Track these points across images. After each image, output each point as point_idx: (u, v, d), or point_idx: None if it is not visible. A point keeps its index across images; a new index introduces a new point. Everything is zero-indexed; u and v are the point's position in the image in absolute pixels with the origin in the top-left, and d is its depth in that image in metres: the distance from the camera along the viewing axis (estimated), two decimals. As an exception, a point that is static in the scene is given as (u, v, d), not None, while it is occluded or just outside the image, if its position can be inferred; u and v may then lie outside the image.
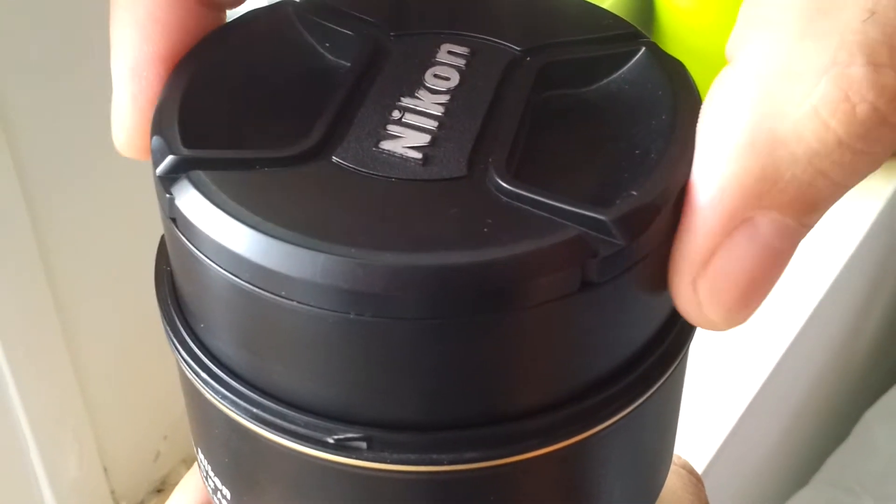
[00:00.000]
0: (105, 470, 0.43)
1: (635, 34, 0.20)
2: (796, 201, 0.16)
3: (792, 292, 0.61)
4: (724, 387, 0.56)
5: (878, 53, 0.15)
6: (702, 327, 0.18)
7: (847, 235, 0.64)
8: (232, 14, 0.20)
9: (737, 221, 0.16)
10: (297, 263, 0.16)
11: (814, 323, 0.61)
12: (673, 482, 0.27)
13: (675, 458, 0.27)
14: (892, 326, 0.87)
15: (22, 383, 0.38)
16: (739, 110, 0.16)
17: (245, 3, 0.20)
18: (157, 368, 0.40)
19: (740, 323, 0.17)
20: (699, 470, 0.51)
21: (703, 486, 0.28)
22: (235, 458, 0.19)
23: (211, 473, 0.20)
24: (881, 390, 0.82)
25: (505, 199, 0.17)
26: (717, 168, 0.16)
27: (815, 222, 0.17)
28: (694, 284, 0.16)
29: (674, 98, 0.18)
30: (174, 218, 0.17)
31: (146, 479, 0.46)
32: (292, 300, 0.16)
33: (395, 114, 0.18)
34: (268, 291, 0.16)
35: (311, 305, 0.16)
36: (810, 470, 0.79)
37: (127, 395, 0.43)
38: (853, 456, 0.79)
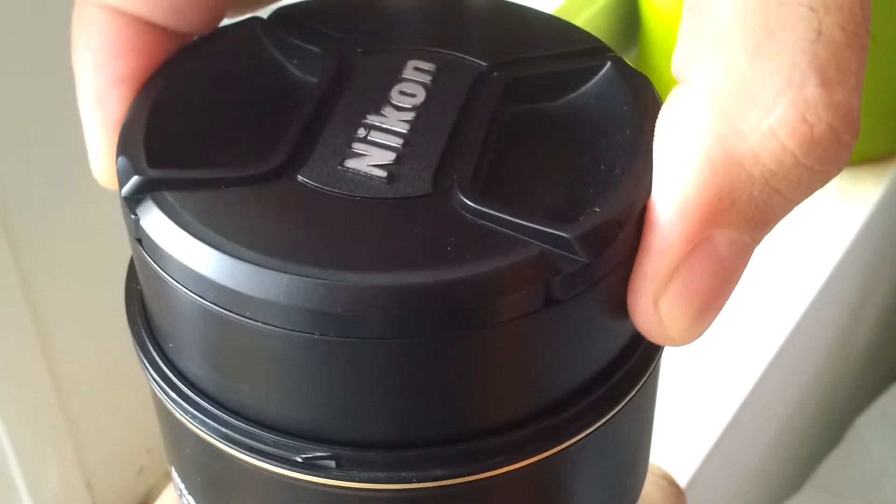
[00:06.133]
0: (88, 485, 0.43)
1: (602, 48, 0.20)
2: (752, 219, 0.16)
3: (782, 298, 0.61)
4: (713, 393, 0.56)
5: (829, 73, 0.16)
6: (661, 344, 0.18)
7: (836, 241, 0.65)
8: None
9: (697, 241, 0.16)
10: (261, 284, 0.16)
11: (804, 328, 0.62)
12: (653, 495, 0.27)
13: (655, 469, 0.27)
14: (884, 331, 0.87)
15: (1, 399, 0.38)
16: (696, 131, 0.16)
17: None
18: (138, 382, 0.40)
19: (697, 338, 0.17)
20: (685, 479, 0.51)
21: (684, 497, 0.28)
22: (207, 476, 0.19)
23: (185, 492, 0.20)
24: (873, 396, 0.82)
25: (469, 216, 0.17)
26: (676, 188, 0.16)
27: (765, 237, 0.17)
28: (655, 303, 0.17)
29: (639, 113, 0.18)
30: (139, 238, 0.17)
31: (130, 493, 0.46)
32: (257, 321, 0.16)
33: (361, 131, 0.18)
34: (232, 312, 0.16)
35: (275, 326, 0.16)
36: (803, 475, 0.79)
37: (109, 409, 0.43)
38: (846, 461, 0.79)
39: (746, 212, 0.16)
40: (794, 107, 0.16)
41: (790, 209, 0.16)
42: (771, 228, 0.17)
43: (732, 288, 0.17)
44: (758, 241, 0.17)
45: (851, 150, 0.16)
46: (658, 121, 0.17)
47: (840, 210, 0.66)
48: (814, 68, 0.16)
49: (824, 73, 0.16)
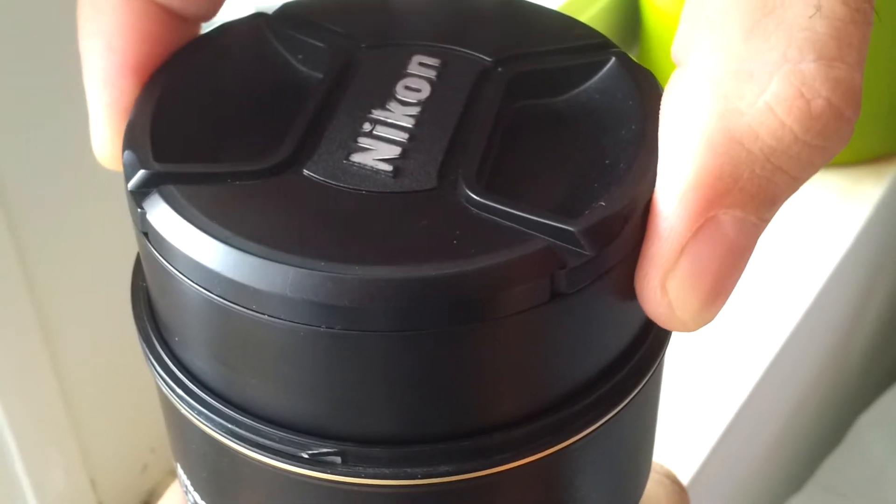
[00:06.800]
0: (92, 483, 0.43)
1: (606, 44, 0.20)
2: (756, 198, 0.16)
3: (784, 297, 0.61)
4: (715, 392, 0.56)
5: (827, 48, 0.15)
6: (672, 329, 0.18)
7: (837, 241, 0.65)
8: (206, 26, 0.20)
9: (701, 221, 0.16)
10: (267, 277, 0.16)
11: (805, 328, 0.62)
12: (656, 492, 0.27)
13: (658, 468, 0.27)
14: (885, 331, 0.87)
15: (5, 397, 0.38)
16: (694, 112, 0.16)
17: (217, 15, 0.20)
18: (143, 379, 0.40)
19: (709, 321, 0.17)
20: (688, 477, 0.51)
21: (686, 495, 0.28)
22: (213, 472, 0.19)
23: (190, 488, 0.20)
24: (874, 395, 0.82)
25: (474, 210, 0.17)
26: (677, 170, 0.16)
27: (773, 216, 0.17)
28: (663, 287, 0.17)
29: (643, 108, 0.18)
30: (146, 232, 0.17)
31: (134, 491, 0.46)
32: (263, 314, 0.16)
33: (366, 126, 0.18)
34: (239, 305, 0.16)
35: (281, 319, 0.16)
36: (804, 475, 0.79)
37: (113, 407, 0.43)
38: (847, 461, 0.79)
39: (750, 190, 0.16)
40: (789, 82, 0.15)
41: (796, 187, 0.16)
42: (778, 207, 0.16)
43: (741, 269, 0.17)
44: (765, 221, 0.16)
45: (853, 125, 0.16)
46: (661, 107, 0.17)
47: (841, 210, 0.66)
48: (811, 43, 0.15)
49: (822, 49, 0.15)
